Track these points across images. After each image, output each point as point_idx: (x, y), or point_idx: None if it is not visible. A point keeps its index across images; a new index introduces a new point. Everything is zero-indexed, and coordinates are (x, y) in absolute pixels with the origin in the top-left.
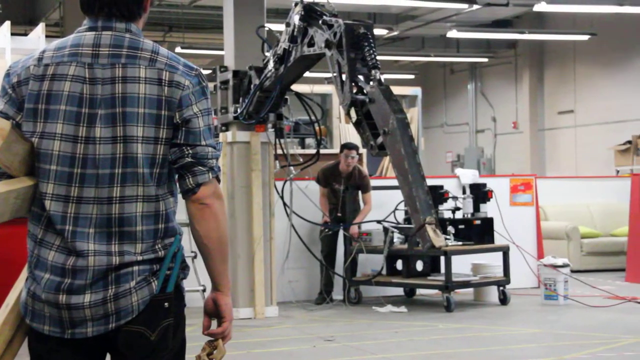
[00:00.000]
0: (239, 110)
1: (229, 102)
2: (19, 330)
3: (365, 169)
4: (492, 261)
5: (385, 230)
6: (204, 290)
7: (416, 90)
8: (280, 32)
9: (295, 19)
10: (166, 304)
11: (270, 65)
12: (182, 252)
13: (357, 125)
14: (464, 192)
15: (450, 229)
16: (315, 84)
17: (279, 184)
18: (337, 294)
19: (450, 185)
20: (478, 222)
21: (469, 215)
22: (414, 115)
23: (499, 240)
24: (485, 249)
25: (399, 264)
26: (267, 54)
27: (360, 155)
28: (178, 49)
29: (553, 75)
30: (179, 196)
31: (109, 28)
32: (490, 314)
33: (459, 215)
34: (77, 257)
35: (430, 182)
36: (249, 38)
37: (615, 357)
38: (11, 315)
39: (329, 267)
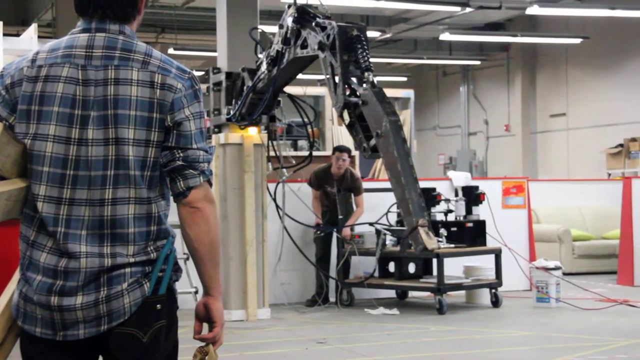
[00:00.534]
0: (231, 112)
1: (221, 104)
2: (11, 332)
3: (357, 171)
4: (484, 264)
5: (378, 232)
6: (196, 292)
7: (409, 93)
8: (274, 34)
9: (289, 21)
10: (158, 305)
11: (263, 67)
12: (174, 254)
13: (350, 127)
14: (456, 195)
15: (443, 231)
16: (308, 86)
17: (272, 186)
18: (330, 296)
19: (442, 188)
20: (470, 224)
21: (461, 218)
22: (406, 117)
23: (491, 243)
24: (478, 251)
25: (392, 266)
26: (260, 55)
27: (352, 157)
28: (171, 50)
29: (545, 78)
30: (171, 199)
31: (102, 30)
32: (482, 317)
33: (451, 217)
34: (69, 259)
35: (422, 184)
36: (242, 40)
37: (607, 359)
38: (2, 317)
39: (320, 270)
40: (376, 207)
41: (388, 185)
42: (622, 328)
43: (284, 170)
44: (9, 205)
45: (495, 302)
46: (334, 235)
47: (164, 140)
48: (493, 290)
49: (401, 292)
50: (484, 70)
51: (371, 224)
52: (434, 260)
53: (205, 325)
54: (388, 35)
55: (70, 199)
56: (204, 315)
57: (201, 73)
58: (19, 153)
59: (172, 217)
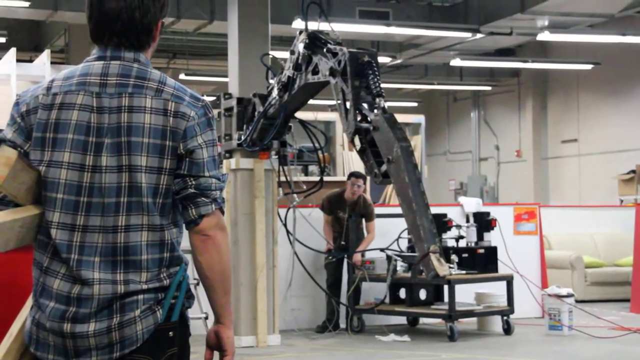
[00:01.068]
0: (242, 137)
1: (232, 129)
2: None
3: (369, 197)
4: (495, 290)
5: (389, 258)
6: (206, 318)
7: (419, 118)
8: (285, 60)
9: (300, 47)
10: (171, 333)
11: (275, 92)
12: (187, 281)
13: (361, 153)
14: (467, 221)
15: (454, 257)
16: (319, 112)
17: (282, 212)
18: (341, 322)
19: (453, 214)
20: (482, 250)
21: (473, 244)
22: (417, 143)
23: (502, 270)
24: (489, 278)
25: (402, 293)
26: (271, 81)
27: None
28: (182, 76)
29: (556, 104)
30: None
31: (117, 58)
32: (494, 344)
33: (462, 243)
34: (83, 286)
35: (433, 210)
36: (253, 65)
37: None
38: (15, 344)
39: (332, 296)
40: (387, 232)
41: (399, 211)
42: (636, 357)
43: (295, 195)
44: (22, 232)
45: (507, 330)
46: (345, 261)
47: (177, 167)
48: (505, 318)
49: (412, 319)
50: (495, 96)
51: (382, 250)
52: (445, 287)
53: (216, 353)
54: (399, 61)
55: (84, 226)
56: (215, 344)
57: (212, 98)
58: (33, 180)
59: (185, 242)
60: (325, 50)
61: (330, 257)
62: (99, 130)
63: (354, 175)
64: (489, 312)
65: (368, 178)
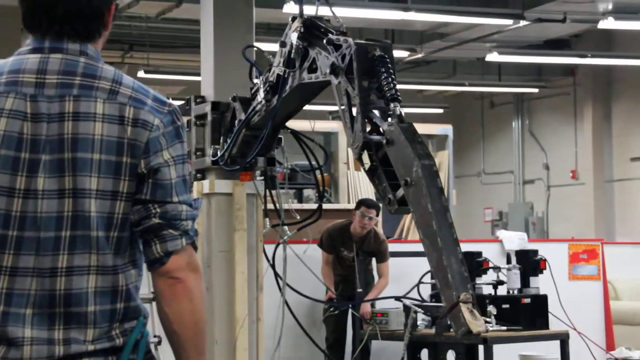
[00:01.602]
0: (219, 153)
1: (206, 143)
2: None
3: (381, 230)
4: (546, 352)
5: (407, 309)
6: None
7: (446, 129)
8: (274, 54)
9: (293, 38)
10: None
11: (260, 95)
12: (146, 339)
13: (371, 173)
14: (508, 261)
15: (491, 309)
16: (318, 120)
17: (270, 249)
18: None
19: (490, 252)
20: (527, 300)
21: (516, 292)
22: (443, 160)
23: (555, 325)
24: (537, 336)
25: (425, 355)
26: (256, 81)
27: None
28: (140, 74)
29: (623, 111)
30: (144, 266)
31: (58, 50)
32: None
33: (502, 291)
34: (9, 347)
35: (464, 247)
36: (232, 60)
37: None
38: None
39: (332, 358)
40: (404, 276)
41: (420, 248)
42: None
43: (286, 228)
44: None
45: None
46: (350, 312)
47: (136, 191)
48: None
49: None
50: (544, 100)
51: (398, 299)
52: (481, 348)
53: None
54: (419, 56)
55: (12, 268)
56: None
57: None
58: None
59: (145, 288)
60: (325, 41)
61: (331, 309)
62: (35, 144)
63: (364, 204)
64: None
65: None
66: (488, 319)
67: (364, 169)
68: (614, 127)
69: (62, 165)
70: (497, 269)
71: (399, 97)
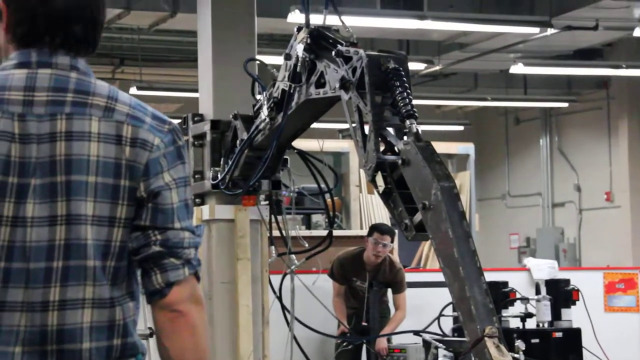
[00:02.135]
0: (219, 176)
1: (205, 165)
2: None
3: (397, 259)
4: None
5: (427, 345)
6: None
7: (467, 148)
8: (278, 67)
9: (299, 49)
10: None
11: (264, 112)
12: None
13: (386, 197)
14: (537, 292)
15: (520, 343)
16: (327, 139)
17: (276, 279)
18: None
19: (517, 282)
20: (559, 334)
21: (546, 325)
22: (464, 182)
23: None
24: None
25: None
26: (259, 97)
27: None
28: (133, 90)
29: None
30: (143, 299)
31: (47, 64)
32: None
33: (531, 324)
34: None
35: (489, 276)
36: (233, 75)
37: None
38: None
39: None
40: (423, 308)
41: (440, 277)
42: None
43: (293, 257)
44: None
45: None
46: (365, 348)
47: (135, 217)
48: None
49: None
50: (574, 116)
51: (417, 333)
52: None
53: None
54: (437, 68)
55: (0, 302)
56: None
57: (177, 121)
58: None
59: (140, 324)
60: (334, 53)
61: (344, 344)
62: (23, 167)
63: (378, 230)
64: None
65: (397, 232)
66: (516, 355)
67: (378, 191)
68: None
69: (54, 190)
70: (525, 300)
71: (415, 114)
